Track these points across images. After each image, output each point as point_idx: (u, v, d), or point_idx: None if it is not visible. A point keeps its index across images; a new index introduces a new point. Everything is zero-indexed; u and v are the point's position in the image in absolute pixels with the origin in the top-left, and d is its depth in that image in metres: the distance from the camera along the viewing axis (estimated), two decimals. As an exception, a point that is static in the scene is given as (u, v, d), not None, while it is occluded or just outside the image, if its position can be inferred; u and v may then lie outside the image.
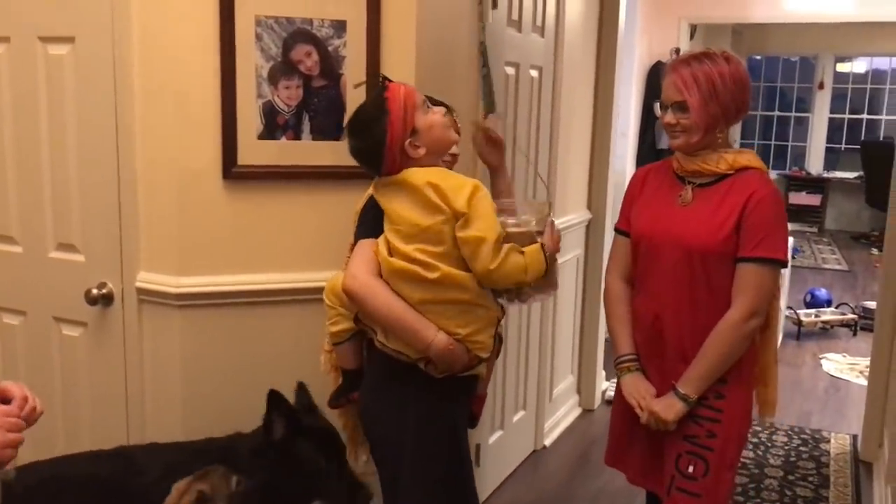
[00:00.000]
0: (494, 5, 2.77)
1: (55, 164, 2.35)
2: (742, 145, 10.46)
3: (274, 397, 1.97)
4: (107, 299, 2.33)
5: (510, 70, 3.00)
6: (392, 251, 1.83)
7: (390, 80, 1.90)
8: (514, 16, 2.98)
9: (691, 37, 7.85)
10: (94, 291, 2.31)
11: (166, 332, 2.30)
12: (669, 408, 2.07)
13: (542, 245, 1.87)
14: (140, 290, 2.30)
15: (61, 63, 2.29)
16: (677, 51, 7.31)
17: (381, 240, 1.86)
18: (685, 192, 2.12)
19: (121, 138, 2.25)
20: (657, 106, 2.13)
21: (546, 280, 1.92)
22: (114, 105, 2.24)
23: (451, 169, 1.97)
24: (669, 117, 2.06)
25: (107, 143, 2.26)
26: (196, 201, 2.24)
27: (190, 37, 2.17)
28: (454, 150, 2.01)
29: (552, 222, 1.95)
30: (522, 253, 1.84)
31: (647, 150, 7.05)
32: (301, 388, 2.13)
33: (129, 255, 2.30)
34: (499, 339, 2.05)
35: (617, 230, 2.29)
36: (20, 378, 2.51)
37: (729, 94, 2.02)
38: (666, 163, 2.23)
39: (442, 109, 1.93)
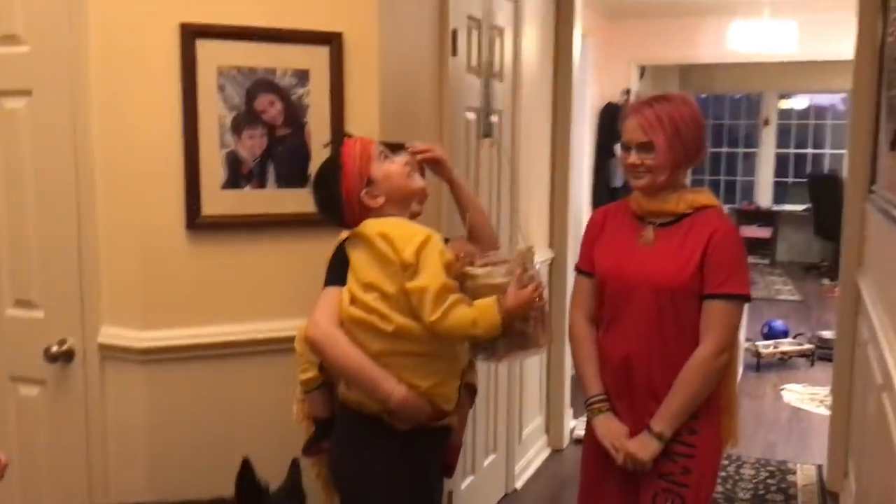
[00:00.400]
0: (454, 52, 2.80)
1: (12, 218, 2.30)
2: (693, 181, 10.70)
3: (243, 467, 1.88)
4: (67, 356, 2.26)
5: (471, 115, 3.03)
6: (353, 300, 1.82)
7: (351, 136, 1.94)
8: (474, 62, 3.02)
9: (640, 78, 8.05)
10: (55, 348, 2.24)
11: (130, 389, 2.23)
12: (645, 447, 2.08)
13: (499, 298, 1.80)
14: (102, 346, 2.24)
15: (17, 117, 2.25)
16: (628, 92, 7.50)
17: (345, 288, 1.86)
18: (647, 232, 2.15)
19: (81, 190, 2.21)
20: (618, 147, 2.17)
21: (518, 339, 1.87)
22: (73, 157, 2.20)
23: (420, 206, 1.96)
24: (633, 158, 2.09)
25: (66, 196, 2.22)
26: (160, 252, 2.20)
27: (151, 88, 2.16)
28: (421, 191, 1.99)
29: (528, 275, 1.87)
30: (472, 305, 1.79)
31: (602, 189, 7.17)
32: (293, 465, 2.07)
33: (91, 309, 2.24)
34: (471, 391, 2.03)
35: (578, 270, 2.31)
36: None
37: (690, 135, 2.08)
38: (622, 203, 2.26)
39: (403, 158, 1.93)
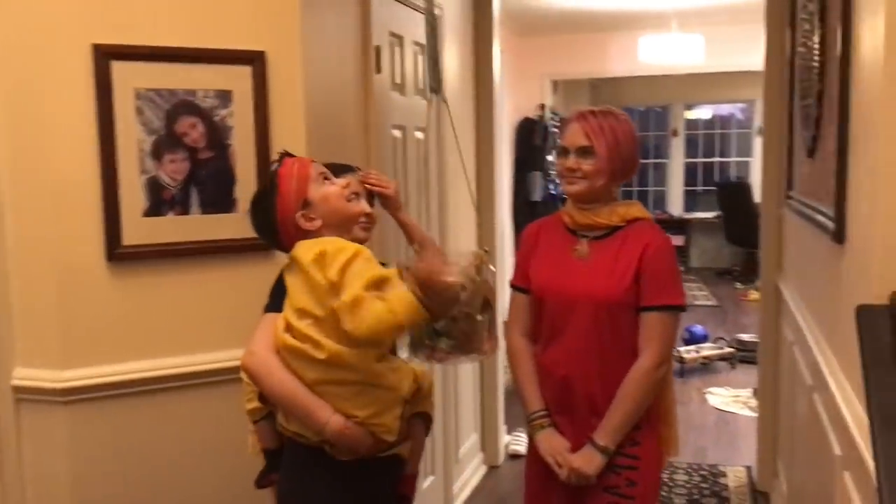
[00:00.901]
0: (378, 70, 2.77)
1: (-88, 256, 2.14)
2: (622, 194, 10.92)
3: None
4: (-22, 402, 2.11)
5: (397, 133, 3.00)
6: (288, 327, 1.75)
7: (290, 156, 1.86)
8: (398, 79, 2.99)
9: (553, 92, 8.18)
10: (-36, 394, 2.09)
11: (50, 434, 2.10)
12: (589, 461, 2.07)
13: (414, 290, 1.66)
14: (17, 389, 2.10)
15: (-85, 146, 2.10)
16: (543, 106, 7.61)
17: (282, 315, 1.79)
18: (581, 245, 2.16)
19: (-12, 224, 2.07)
20: (554, 153, 2.18)
21: (462, 341, 1.83)
22: (-21, 189, 2.07)
23: (366, 232, 1.90)
24: (572, 162, 2.10)
25: (-28, 231, 2.08)
26: (78, 286, 2.08)
27: (64, 112, 2.04)
28: (362, 215, 1.93)
29: (482, 279, 1.83)
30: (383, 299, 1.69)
31: (522, 204, 7.25)
32: None
33: (3, 349, 2.10)
34: (426, 420, 1.97)
35: (514, 287, 2.29)
36: None
37: (628, 149, 2.11)
38: (555, 218, 2.27)
39: (342, 181, 1.87)
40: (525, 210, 7.12)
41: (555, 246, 2.22)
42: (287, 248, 1.81)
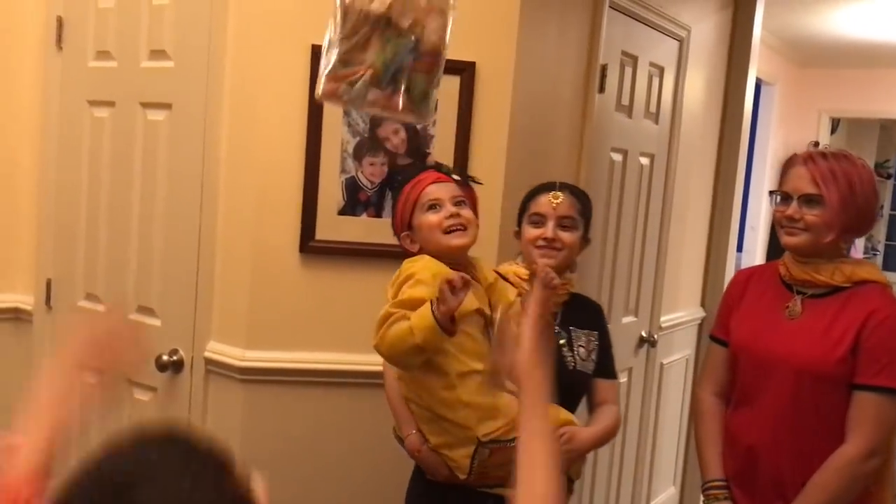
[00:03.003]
0: (601, 89, 2.64)
1: (143, 226, 2.37)
2: (889, 247, 9.74)
3: None
4: (177, 366, 2.29)
5: (616, 156, 2.85)
6: None
7: (427, 170, 1.85)
8: (625, 101, 2.84)
9: (832, 131, 7.44)
10: (165, 358, 2.28)
11: (229, 407, 2.22)
12: (764, 551, 1.80)
13: (431, 302, 1.56)
14: (208, 361, 2.24)
15: (157, 128, 2.32)
16: (816, 144, 6.93)
17: None
18: (794, 303, 1.89)
19: (204, 205, 2.24)
20: (773, 196, 1.94)
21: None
22: (201, 172, 2.24)
23: (549, 258, 1.86)
24: (793, 210, 1.84)
25: (191, 210, 2.26)
26: (270, 273, 2.19)
27: (279, 107, 2.15)
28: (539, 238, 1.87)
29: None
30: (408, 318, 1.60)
31: (778, 245, 6.66)
32: None
33: (202, 323, 2.26)
34: (564, 479, 1.82)
35: (713, 338, 2.06)
36: (91, 438, 2.50)
37: (865, 199, 1.83)
38: (771, 267, 2.02)
39: (447, 211, 1.74)
40: (781, 252, 6.53)
41: (764, 299, 1.97)
42: None
